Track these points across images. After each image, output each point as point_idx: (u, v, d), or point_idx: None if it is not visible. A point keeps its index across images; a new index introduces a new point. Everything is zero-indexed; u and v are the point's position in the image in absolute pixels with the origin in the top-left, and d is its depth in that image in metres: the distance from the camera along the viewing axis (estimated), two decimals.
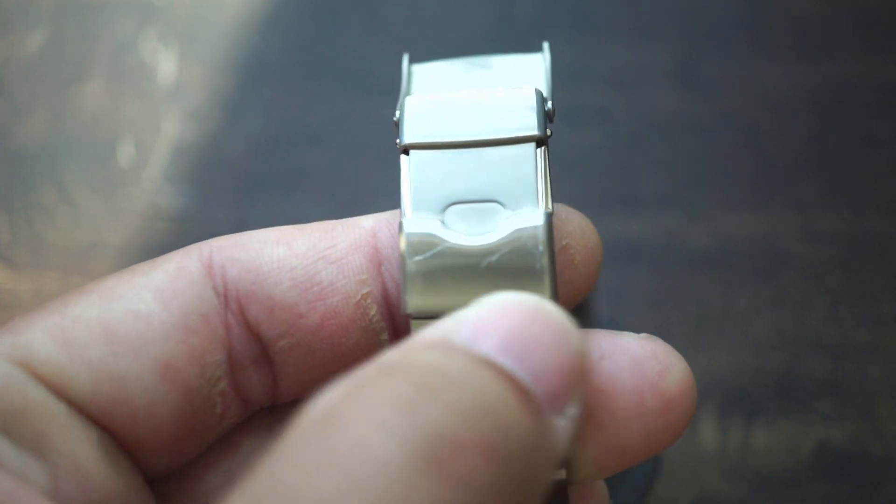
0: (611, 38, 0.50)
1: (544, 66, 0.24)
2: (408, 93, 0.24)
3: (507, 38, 0.51)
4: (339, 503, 0.16)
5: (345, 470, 0.16)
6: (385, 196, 0.47)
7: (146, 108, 0.50)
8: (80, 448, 0.20)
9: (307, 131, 0.49)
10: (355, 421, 0.17)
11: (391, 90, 0.50)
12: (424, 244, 0.20)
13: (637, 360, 0.21)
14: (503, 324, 0.19)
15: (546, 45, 0.24)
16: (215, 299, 0.22)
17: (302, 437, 0.17)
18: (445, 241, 0.20)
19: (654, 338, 0.21)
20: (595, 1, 0.51)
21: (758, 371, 0.43)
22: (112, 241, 0.47)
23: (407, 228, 0.21)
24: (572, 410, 0.19)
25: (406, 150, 0.22)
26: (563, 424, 0.19)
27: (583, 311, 0.36)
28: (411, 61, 0.25)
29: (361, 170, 0.48)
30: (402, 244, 0.20)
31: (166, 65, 0.51)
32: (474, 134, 0.21)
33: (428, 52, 0.52)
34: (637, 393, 0.20)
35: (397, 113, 0.23)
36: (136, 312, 0.21)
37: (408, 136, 0.22)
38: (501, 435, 0.17)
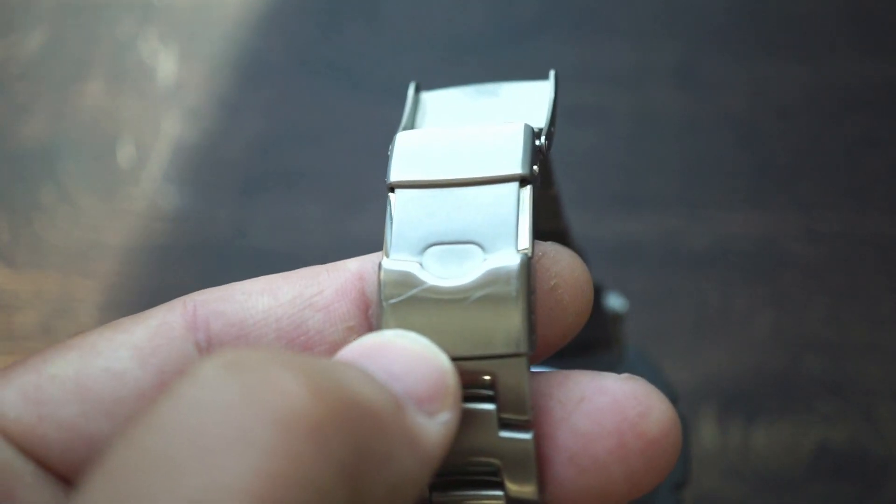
0: (611, 39, 0.50)
1: (548, 96, 0.24)
2: (410, 124, 0.24)
3: (508, 38, 0.51)
4: (158, 452, 0.16)
5: (161, 423, 0.16)
6: (384, 196, 0.47)
7: (146, 108, 0.50)
8: None
9: (307, 131, 0.49)
10: (177, 384, 0.17)
11: (391, 90, 0.50)
12: (401, 286, 0.20)
13: (617, 402, 0.20)
14: (366, 343, 0.19)
15: (552, 74, 0.24)
16: (196, 355, 0.22)
17: (144, 410, 0.17)
18: (422, 282, 0.20)
19: (636, 378, 0.21)
20: (596, 1, 0.51)
21: (758, 371, 0.43)
22: (112, 240, 0.47)
23: (385, 269, 0.20)
24: (445, 416, 0.19)
25: (392, 189, 0.22)
26: (432, 427, 0.19)
27: (610, 344, 0.36)
28: (420, 87, 0.25)
29: (361, 170, 0.48)
30: (380, 285, 0.20)
31: (166, 65, 0.51)
32: (459, 173, 0.21)
33: (428, 52, 0.52)
34: (618, 435, 0.20)
35: (390, 148, 0.22)
36: (111, 371, 0.21)
37: (394, 175, 0.22)
38: (334, 384, 0.17)
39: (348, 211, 0.47)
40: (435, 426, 0.19)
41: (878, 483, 0.41)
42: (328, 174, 0.48)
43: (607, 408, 0.20)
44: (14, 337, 0.46)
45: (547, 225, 0.27)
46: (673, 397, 0.37)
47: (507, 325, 0.20)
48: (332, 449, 0.17)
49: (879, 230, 0.46)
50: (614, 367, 0.33)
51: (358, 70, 0.51)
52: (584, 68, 0.50)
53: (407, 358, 0.19)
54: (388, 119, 0.49)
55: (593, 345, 0.35)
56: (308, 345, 0.22)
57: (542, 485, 0.20)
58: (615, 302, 0.38)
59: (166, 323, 0.22)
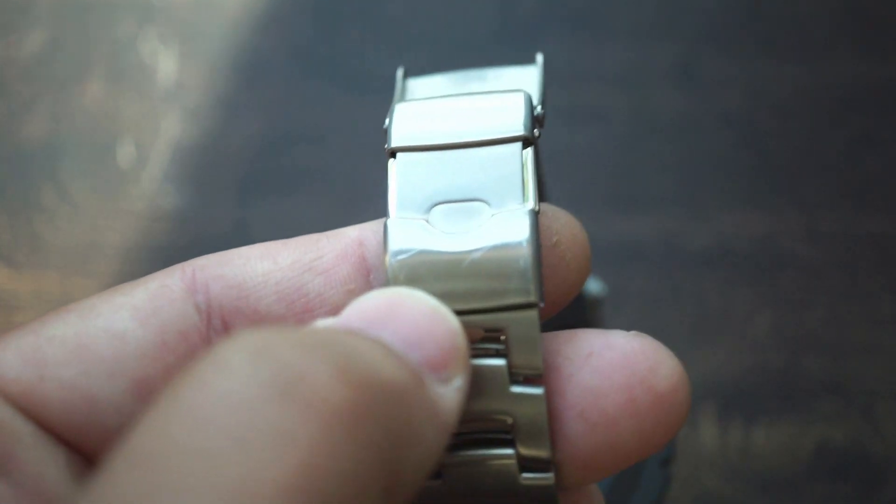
0: (611, 39, 0.50)
1: (537, 75, 0.24)
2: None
3: (508, 38, 0.51)
4: (190, 444, 0.16)
5: (191, 413, 0.16)
6: (384, 196, 0.47)
7: (146, 108, 0.50)
8: (47, 469, 0.20)
9: (307, 131, 0.49)
10: (201, 371, 0.17)
11: (391, 90, 0.50)
12: (409, 242, 0.20)
13: (626, 357, 0.20)
14: (371, 306, 0.19)
15: (540, 57, 0.24)
16: (196, 316, 0.22)
17: (151, 404, 0.17)
18: (429, 238, 0.20)
19: (643, 335, 0.21)
20: (595, 1, 0.51)
21: (758, 371, 0.43)
22: (112, 240, 0.47)
23: (390, 228, 0.20)
24: (458, 382, 0.19)
25: (393, 154, 0.22)
26: (447, 393, 0.19)
27: (588, 326, 0.36)
28: (407, 73, 0.25)
29: (361, 169, 0.48)
30: (386, 243, 0.20)
31: (166, 65, 0.51)
32: (461, 136, 0.21)
33: (428, 52, 0.52)
34: (627, 389, 0.20)
35: (387, 121, 0.22)
36: (111, 331, 0.21)
37: (395, 140, 0.22)
38: (360, 367, 0.17)
39: (348, 211, 0.47)
40: (450, 392, 0.19)
41: (878, 483, 0.41)
42: (328, 174, 0.48)
43: (616, 363, 0.20)
44: None
45: None
46: None
47: (519, 276, 0.20)
48: (367, 437, 0.17)
49: (879, 230, 0.46)
50: None
51: (358, 70, 0.51)
52: (583, 68, 0.50)
53: (419, 321, 0.19)
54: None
55: (571, 329, 0.36)
56: (308, 307, 0.22)
57: (553, 442, 0.20)
58: (594, 286, 0.38)
59: (166, 285, 0.22)
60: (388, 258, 0.20)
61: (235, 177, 0.49)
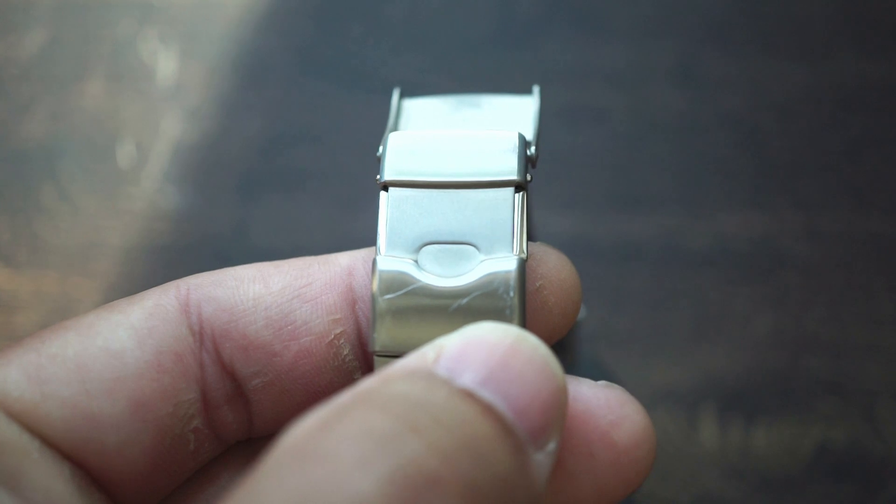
0: (611, 38, 0.50)
1: (533, 109, 0.24)
2: (393, 128, 0.24)
3: (508, 37, 0.51)
4: None
5: (312, 498, 0.16)
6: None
7: (146, 108, 0.50)
8: (54, 483, 0.20)
9: (307, 131, 0.49)
10: (332, 454, 0.16)
11: (391, 90, 0.49)
12: (396, 283, 0.20)
13: (589, 410, 0.20)
14: (485, 356, 0.19)
15: (536, 89, 0.24)
16: (190, 337, 0.22)
17: (276, 469, 0.17)
18: (418, 280, 0.20)
19: (613, 385, 0.21)
20: (595, 1, 0.51)
21: (758, 371, 0.43)
22: (112, 241, 0.47)
23: (380, 266, 0.21)
24: (552, 446, 0.19)
25: (385, 187, 0.22)
26: (543, 460, 0.19)
27: (563, 349, 0.36)
28: (403, 94, 0.25)
29: (361, 170, 0.48)
30: (374, 282, 0.20)
31: (166, 65, 0.51)
32: (454, 175, 0.21)
33: (428, 52, 0.52)
34: (586, 443, 0.20)
35: (380, 148, 0.22)
36: (110, 350, 0.21)
37: (388, 173, 0.22)
38: (482, 474, 0.17)
39: (348, 211, 0.47)
40: (545, 458, 0.19)
41: (878, 483, 0.41)
42: (328, 174, 0.48)
43: (578, 415, 0.20)
44: (14, 337, 0.46)
45: None
46: None
47: None
48: None
49: (879, 230, 0.46)
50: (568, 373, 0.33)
51: (358, 70, 0.51)
52: (583, 68, 0.50)
53: (532, 378, 0.19)
54: (387, 118, 0.49)
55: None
56: (294, 335, 0.22)
57: None
58: None
59: (161, 305, 0.22)
60: (376, 298, 0.20)
61: (235, 177, 0.49)
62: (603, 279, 0.45)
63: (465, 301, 0.20)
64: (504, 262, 0.20)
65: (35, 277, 0.47)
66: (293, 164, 0.49)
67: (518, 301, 0.20)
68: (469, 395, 0.18)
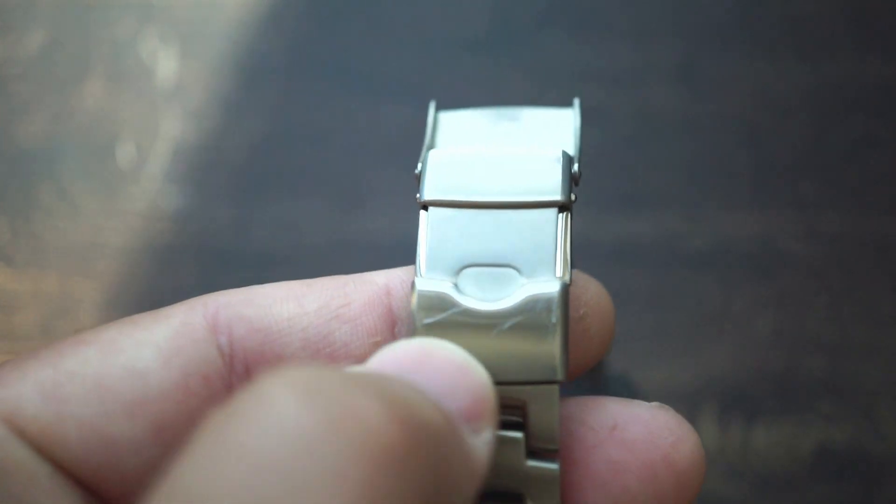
0: (611, 39, 0.50)
1: (574, 123, 0.23)
2: (432, 144, 0.24)
3: (508, 37, 0.51)
4: (238, 483, 0.15)
5: (237, 451, 0.15)
6: (384, 196, 0.47)
7: (146, 108, 0.50)
8: None
9: (307, 131, 0.49)
10: (245, 407, 0.16)
11: (391, 90, 0.50)
12: (436, 306, 0.20)
13: (651, 431, 0.20)
14: (402, 354, 0.19)
15: (576, 102, 0.24)
16: (219, 359, 0.21)
17: (192, 442, 0.16)
18: (458, 304, 0.20)
19: (666, 407, 0.21)
20: (596, 1, 0.51)
21: (758, 371, 0.43)
22: (112, 241, 0.47)
23: (419, 288, 0.20)
24: (486, 435, 0.19)
25: (425, 206, 0.21)
26: (478, 444, 0.19)
27: (593, 369, 0.36)
28: (439, 107, 0.25)
29: (361, 170, 0.48)
30: (414, 304, 0.20)
31: (166, 65, 0.51)
32: (496, 195, 0.21)
33: (428, 52, 0.52)
34: (650, 466, 0.20)
35: (419, 165, 0.22)
36: (133, 370, 0.20)
37: (428, 193, 0.21)
38: (408, 408, 0.17)
39: (348, 211, 0.47)
40: (481, 444, 0.19)
41: (878, 483, 0.41)
42: (328, 174, 0.48)
43: (640, 437, 0.20)
44: (14, 337, 0.46)
45: None
46: None
47: (545, 353, 0.20)
48: (417, 480, 0.16)
49: (879, 230, 0.46)
50: (598, 391, 0.33)
51: (358, 70, 0.51)
52: (584, 68, 0.50)
53: (451, 371, 0.19)
54: (388, 119, 0.49)
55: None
56: (333, 357, 0.21)
57: None
58: None
59: (188, 323, 0.21)
60: (416, 323, 0.20)
61: (235, 177, 0.49)
62: (603, 279, 0.45)
63: (505, 326, 0.20)
64: (546, 286, 0.20)
65: (35, 277, 0.47)
66: (293, 164, 0.49)
67: (561, 325, 0.20)
68: (401, 381, 0.18)
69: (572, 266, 0.21)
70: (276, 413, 0.16)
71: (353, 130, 0.49)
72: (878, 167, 0.47)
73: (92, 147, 0.50)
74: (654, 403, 0.20)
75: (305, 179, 0.48)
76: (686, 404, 0.42)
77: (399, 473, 0.16)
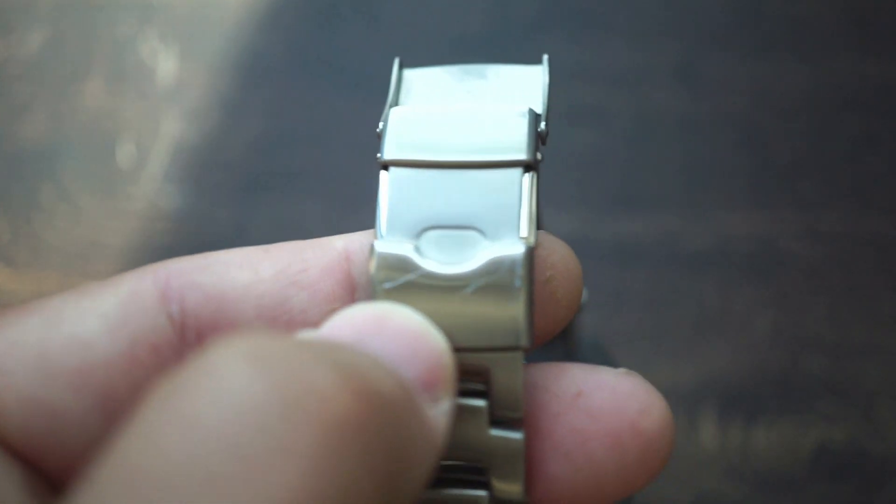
0: (611, 38, 0.50)
1: (542, 80, 0.23)
2: (394, 102, 0.23)
3: (508, 37, 0.51)
4: (185, 457, 0.15)
5: (184, 423, 0.15)
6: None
7: (146, 108, 0.50)
8: (3, 488, 0.18)
9: (307, 131, 0.49)
10: (192, 377, 0.15)
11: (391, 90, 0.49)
12: (396, 270, 0.19)
13: (616, 398, 0.19)
14: (357, 319, 0.18)
15: (545, 58, 0.23)
16: (170, 328, 0.20)
17: (136, 412, 0.15)
18: (419, 268, 0.19)
19: (634, 374, 0.20)
20: (596, 1, 0.51)
21: (758, 371, 0.43)
22: (112, 240, 0.47)
23: (378, 251, 0.19)
24: (445, 404, 0.18)
25: (386, 166, 0.21)
26: (436, 413, 0.18)
27: (565, 334, 0.35)
28: (404, 65, 0.24)
29: (361, 170, 0.48)
30: (372, 269, 0.19)
31: (166, 65, 0.51)
32: (459, 154, 0.20)
33: (427, 51, 0.52)
34: (616, 433, 0.19)
35: (381, 124, 0.21)
36: (78, 338, 0.19)
37: (388, 152, 0.20)
38: (362, 377, 0.16)
39: (348, 211, 0.47)
40: (439, 414, 0.18)
41: (878, 483, 0.41)
42: (328, 174, 0.48)
43: (606, 404, 0.20)
44: None
45: None
46: None
47: (509, 317, 0.19)
48: (372, 452, 0.16)
49: (879, 230, 0.46)
50: (570, 357, 0.32)
51: (358, 70, 0.51)
52: (583, 68, 0.50)
53: (407, 338, 0.18)
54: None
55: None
56: (291, 324, 0.20)
57: (528, 485, 0.20)
58: None
59: (137, 291, 0.20)
60: (375, 287, 0.19)
61: (235, 177, 0.49)
62: (603, 279, 0.45)
63: (468, 290, 0.19)
64: (510, 248, 0.19)
65: (35, 277, 0.47)
66: (293, 164, 0.49)
67: (525, 289, 0.19)
68: (355, 349, 0.18)
69: (539, 227, 0.20)
70: (224, 383, 0.15)
71: (353, 130, 0.49)
72: (878, 167, 0.47)
73: (92, 147, 0.50)
74: (620, 370, 0.20)
75: (305, 179, 0.48)
76: (686, 404, 0.42)
77: (353, 444, 0.16)
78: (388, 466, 0.16)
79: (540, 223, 0.21)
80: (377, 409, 0.16)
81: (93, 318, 0.19)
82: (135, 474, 0.15)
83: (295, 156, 0.49)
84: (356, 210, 0.47)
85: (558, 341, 0.35)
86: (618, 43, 0.50)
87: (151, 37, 0.52)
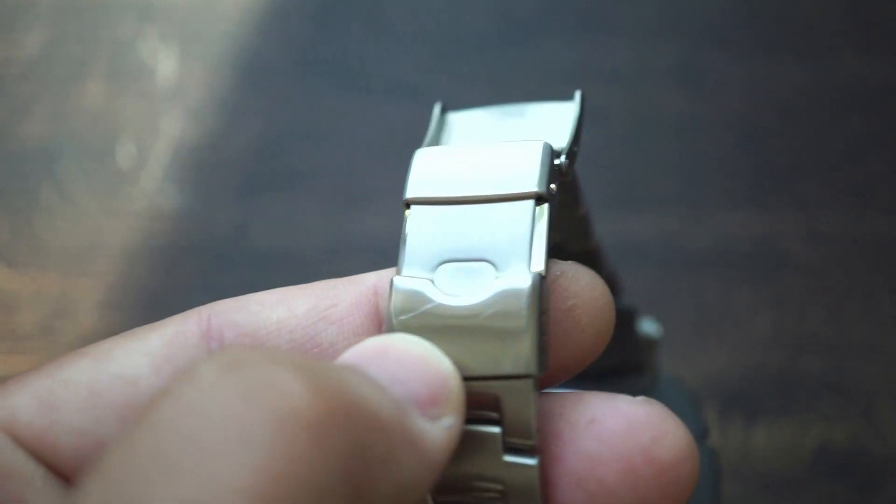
0: (612, 38, 0.50)
1: (573, 114, 0.23)
2: (432, 143, 0.24)
3: (509, 37, 0.51)
4: (152, 454, 0.16)
5: (159, 425, 0.16)
6: (384, 196, 0.47)
7: (146, 108, 0.50)
8: None
9: (307, 131, 0.49)
10: (176, 386, 0.17)
11: (391, 90, 0.50)
12: (410, 303, 0.20)
13: (629, 424, 0.20)
14: (364, 347, 0.19)
15: (578, 94, 0.24)
16: None
17: (143, 411, 0.17)
18: (431, 300, 0.20)
19: (652, 401, 0.20)
20: (595, 1, 0.51)
21: (758, 371, 0.43)
22: (112, 240, 0.47)
23: (395, 286, 0.20)
24: (447, 421, 0.19)
25: (408, 205, 0.21)
26: (434, 429, 0.19)
27: (642, 370, 0.36)
28: (447, 108, 0.24)
29: (361, 169, 0.48)
30: (391, 302, 0.20)
31: (166, 65, 0.51)
32: (474, 189, 0.21)
33: (428, 52, 0.52)
34: (627, 459, 0.19)
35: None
36: (124, 377, 0.21)
37: (410, 191, 0.21)
38: (333, 383, 0.17)
39: (348, 211, 0.47)
40: (438, 430, 0.19)
41: (878, 483, 0.41)
42: (328, 174, 0.48)
43: (618, 431, 0.20)
44: (14, 337, 0.46)
45: (577, 245, 0.26)
46: (703, 428, 0.37)
47: (516, 346, 0.19)
48: (332, 447, 0.17)
49: (879, 230, 0.46)
50: (647, 392, 0.33)
51: (358, 70, 0.51)
52: (583, 68, 0.50)
53: (409, 362, 0.19)
54: (388, 119, 0.49)
55: (625, 369, 0.35)
56: (321, 356, 0.21)
57: None
58: (649, 327, 0.38)
59: (181, 332, 0.22)
60: (392, 320, 0.20)
61: (235, 177, 0.49)
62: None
63: (476, 322, 0.20)
64: (518, 279, 0.20)
65: (35, 277, 0.47)
66: (293, 164, 0.49)
67: (533, 318, 0.19)
68: (347, 366, 0.19)
69: (549, 257, 0.20)
70: (199, 388, 0.17)
71: (353, 130, 0.49)
72: (878, 167, 0.47)
73: (92, 147, 0.50)
74: (639, 398, 0.20)
75: (305, 179, 0.48)
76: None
77: (313, 441, 0.16)
78: (360, 464, 0.17)
79: (565, 252, 0.21)
80: (345, 411, 0.17)
81: (139, 357, 0.21)
82: (115, 473, 0.16)
83: (295, 155, 0.49)
84: (356, 210, 0.47)
85: (634, 377, 0.35)
86: (617, 43, 0.50)
87: (151, 37, 0.52)
